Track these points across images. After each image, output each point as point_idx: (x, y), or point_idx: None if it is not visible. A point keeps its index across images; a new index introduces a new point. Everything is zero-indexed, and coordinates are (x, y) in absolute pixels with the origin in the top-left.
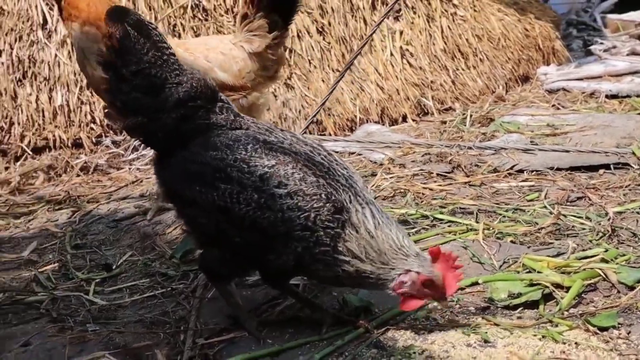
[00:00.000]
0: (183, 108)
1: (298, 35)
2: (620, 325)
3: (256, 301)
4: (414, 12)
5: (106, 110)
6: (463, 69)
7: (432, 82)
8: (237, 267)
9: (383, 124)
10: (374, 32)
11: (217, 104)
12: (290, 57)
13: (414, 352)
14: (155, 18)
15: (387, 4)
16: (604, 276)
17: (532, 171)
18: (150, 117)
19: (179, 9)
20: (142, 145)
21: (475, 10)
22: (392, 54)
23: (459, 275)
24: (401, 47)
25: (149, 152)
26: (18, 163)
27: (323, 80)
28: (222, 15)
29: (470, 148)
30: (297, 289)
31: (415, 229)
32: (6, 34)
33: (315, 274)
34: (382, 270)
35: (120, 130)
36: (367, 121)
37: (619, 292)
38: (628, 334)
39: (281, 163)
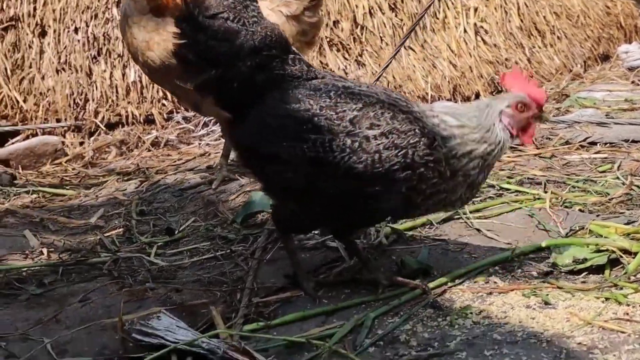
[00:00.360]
0: (259, 56)
1: (370, 12)
2: None
3: (314, 264)
4: None
5: (179, 73)
6: (539, 47)
7: (506, 59)
8: (318, 220)
9: (455, 102)
10: (432, 2)
11: (290, 55)
12: (362, 34)
13: (471, 312)
14: None
15: None
16: None
17: (606, 143)
18: (225, 66)
19: None
20: (213, 119)
21: None
22: (465, 31)
23: (535, 81)
24: (475, 24)
25: (219, 128)
26: (92, 138)
27: (395, 58)
28: None
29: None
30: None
31: (480, 198)
32: (82, 12)
33: (423, 206)
34: (489, 133)
35: (194, 89)
36: (439, 98)
37: None
38: None
39: (369, 105)
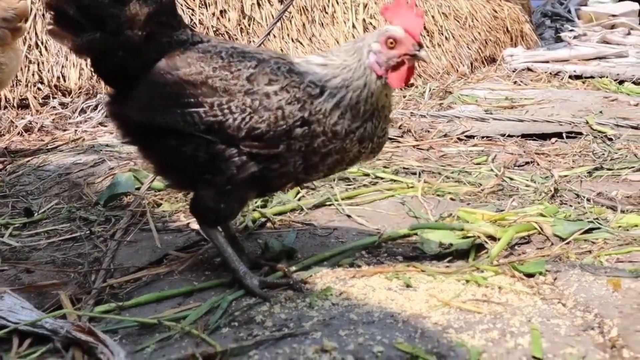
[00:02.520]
0: (152, 23)
1: (258, 3)
2: (547, 272)
3: (177, 245)
4: None
5: (50, 27)
6: (427, 47)
7: None
8: (239, 198)
9: None
10: None
11: (176, 18)
12: (249, 25)
13: (331, 294)
14: None
15: None
16: (539, 229)
17: (483, 137)
18: (112, 31)
19: None
20: (92, 107)
21: None
22: (354, 26)
23: (419, 12)
24: (364, 20)
25: (97, 115)
26: None
27: (282, 50)
28: None
29: (423, 116)
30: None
31: (354, 186)
32: None
33: (311, 170)
34: (350, 73)
35: (71, 50)
36: None
37: (552, 244)
38: (554, 280)
39: (262, 61)
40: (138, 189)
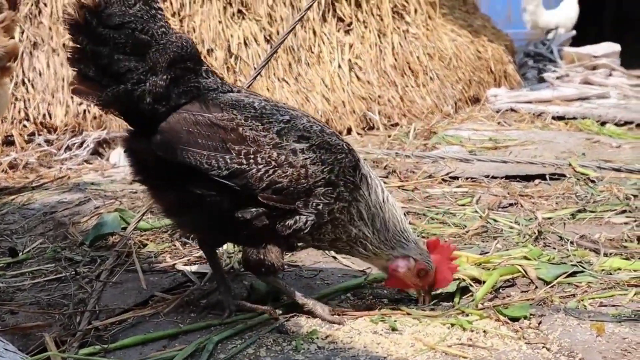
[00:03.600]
0: (174, 69)
1: (245, 42)
2: (531, 316)
3: (163, 286)
4: (365, 27)
5: (73, 87)
6: (412, 86)
7: (379, 96)
8: (270, 248)
9: None
10: (301, 18)
11: (203, 66)
12: (236, 64)
13: (317, 337)
14: None
15: (338, 17)
16: (523, 272)
17: (467, 178)
18: (136, 82)
19: None
20: (77, 144)
21: (427, 29)
22: (340, 66)
23: (454, 268)
24: (350, 60)
25: (83, 152)
26: None
27: (268, 89)
28: None
29: (408, 156)
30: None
31: None
32: None
33: (316, 235)
34: (381, 245)
35: (97, 105)
36: None
37: (536, 287)
38: (539, 324)
39: (295, 117)
40: (124, 229)
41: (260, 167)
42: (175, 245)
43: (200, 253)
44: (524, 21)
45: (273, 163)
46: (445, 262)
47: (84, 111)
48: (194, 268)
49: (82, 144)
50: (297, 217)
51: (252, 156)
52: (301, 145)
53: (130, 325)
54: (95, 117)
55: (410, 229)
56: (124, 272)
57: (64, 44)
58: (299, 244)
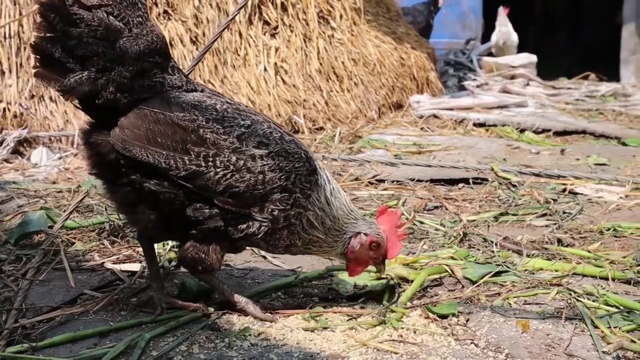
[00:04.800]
0: (142, 62)
1: (170, 43)
2: (460, 314)
3: (91, 284)
4: (291, 31)
5: (36, 70)
6: (337, 91)
7: (304, 100)
8: (214, 249)
9: None
10: (232, 19)
11: (170, 62)
12: None
13: (250, 334)
14: (20, 13)
15: (264, 20)
16: (450, 272)
17: (393, 181)
18: (101, 69)
19: None
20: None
21: (352, 35)
22: (266, 70)
23: (402, 235)
24: (276, 64)
25: (3, 152)
26: None
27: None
28: None
29: (334, 159)
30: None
31: None
32: None
33: (271, 241)
34: (335, 238)
35: (59, 91)
36: None
37: (463, 286)
38: (466, 321)
39: (256, 122)
40: (51, 227)
41: (218, 170)
42: (103, 244)
43: (129, 252)
44: (493, 40)
45: (231, 167)
46: (393, 230)
47: (4, 109)
48: (123, 266)
49: (1, 142)
50: (251, 222)
51: (211, 159)
52: (260, 152)
53: (58, 323)
54: (15, 116)
55: (355, 208)
56: (51, 271)
57: None
58: (245, 247)
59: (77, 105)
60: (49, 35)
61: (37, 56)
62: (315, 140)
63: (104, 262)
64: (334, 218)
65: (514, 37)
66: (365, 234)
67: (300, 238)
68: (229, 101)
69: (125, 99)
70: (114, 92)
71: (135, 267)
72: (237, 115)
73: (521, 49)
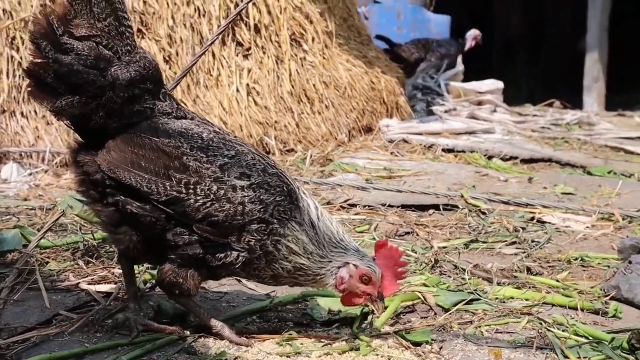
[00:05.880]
0: (133, 88)
1: None
2: (433, 341)
3: (66, 305)
4: (264, 52)
5: (29, 90)
6: (308, 113)
7: (276, 122)
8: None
9: None
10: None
11: (162, 89)
12: None
13: (226, 359)
14: None
15: (237, 41)
16: (422, 299)
17: (365, 206)
18: (92, 95)
19: (20, 22)
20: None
21: (324, 58)
22: (238, 90)
23: (401, 273)
24: (248, 85)
25: None
26: None
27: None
28: None
29: (306, 182)
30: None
31: None
32: None
33: (251, 271)
34: (319, 264)
35: (50, 111)
36: None
37: (435, 313)
38: (440, 349)
39: (241, 153)
40: (25, 246)
41: (198, 198)
42: (78, 264)
43: (104, 272)
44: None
45: (212, 196)
46: (392, 266)
47: None
48: (98, 287)
49: None
50: (229, 252)
51: (192, 186)
52: (242, 183)
53: (33, 344)
54: None
55: (348, 238)
56: (25, 290)
57: None
58: (226, 276)
59: (68, 125)
60: (40, 61)
61: (30, 79)
62: (286, 162)
63: (79, 283)
64: (318, 243)
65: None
66: (354, 265)
67: (282, 267)
68: (217, 130)
69: (114, 123)
70: (103, 116)
71: (110, 288)
72: (223, 145)
73: (484, 74)
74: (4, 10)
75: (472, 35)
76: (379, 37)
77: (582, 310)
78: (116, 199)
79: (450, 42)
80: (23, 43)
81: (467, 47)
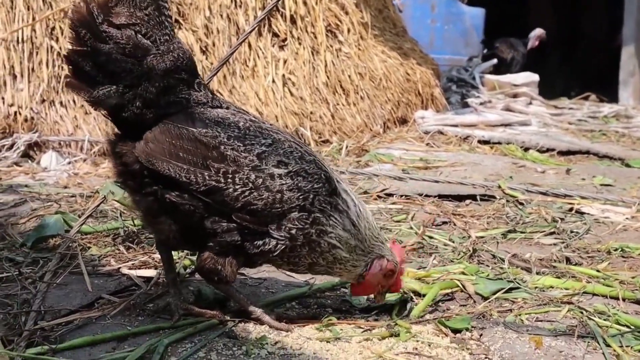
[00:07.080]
0: (169, 78)
1: None
2: (473, 328)
3: (108, 289)
4: (299, 43)
5: (67, 80)
6: (343, 105)
7: (311, 113)
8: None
9: None
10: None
11: (197, 79)
12: None
13: (267, 343)
14: (34, 18)
15: (273, 32)
16: (461, 287)
17: (402, 196)
18: (129, 84)
19: (59, 12)
20: (7, 146)
21: (359, 49)
22: (274, 81)
23: (402, 271)
24: (284, 76)
25: (13, 155)
26: None
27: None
28: None
29: (342, 172)
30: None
31: None
32: None
33: (290, 259)
34: (359, 258)
35: (87, 102)
36: None
37: (475, 302)
38: (480, 336)
39: (277, 141)
40: (67, 231)
41: (237, 187)
42: (119, 250)
43: (145, 258)
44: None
45: (250, 185)
46: (401, 265)
47: (15, 113)
48: (139, 272)
49: (12, 145)
50: (268, 239)
51: (230, 176)
52: (279, 171)
53: (76, 326)
54: (26, 120)
55: (381, 231)
56: (68, 274)
57: None
58: (263, 263)
59: (106, 115)
60: (79, 49)
61: (69, 67)
62: (322, 153)
63: (120, 268)
64: (360, 238)
65: None
66: (387, 260)
67: (323, 257)
68: (253, 119)
69: (150, 114)
70: (140, 106)
71: (151, 273)
72: (259, 134)
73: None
74: (44, 1)
75: (537, 34)
76: (483, 42)
77: (623, 300)
78: (155, 189)
79: (518, 42)
80: (62, 33)
81: (529, 46)
